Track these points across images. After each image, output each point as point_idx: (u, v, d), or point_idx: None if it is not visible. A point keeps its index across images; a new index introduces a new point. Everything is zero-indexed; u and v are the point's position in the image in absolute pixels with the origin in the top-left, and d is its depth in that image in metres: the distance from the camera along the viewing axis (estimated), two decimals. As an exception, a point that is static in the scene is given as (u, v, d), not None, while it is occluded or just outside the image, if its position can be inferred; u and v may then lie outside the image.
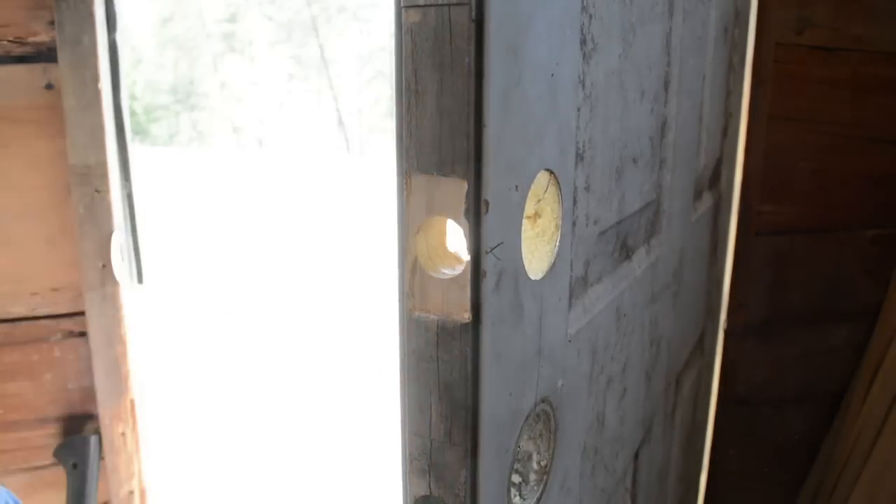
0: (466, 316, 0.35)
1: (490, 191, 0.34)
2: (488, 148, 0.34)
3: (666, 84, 0.73)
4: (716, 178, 1.20)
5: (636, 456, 0.81)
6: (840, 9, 1.29)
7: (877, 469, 1.36)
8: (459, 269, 0.36)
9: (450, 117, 0.33)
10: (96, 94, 1.10)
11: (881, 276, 1.43)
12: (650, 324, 0.77)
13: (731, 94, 1.24)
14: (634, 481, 0.83)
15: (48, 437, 1.18)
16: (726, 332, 1.41)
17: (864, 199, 1.39)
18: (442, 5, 0.32)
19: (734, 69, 1.23)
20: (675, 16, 0.73)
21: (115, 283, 1.16)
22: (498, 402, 0.38)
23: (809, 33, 1.29)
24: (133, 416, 1.23)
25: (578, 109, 0.46)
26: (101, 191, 1.13)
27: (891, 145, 1.37)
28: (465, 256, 0.36)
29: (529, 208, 0.41)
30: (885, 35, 1.32)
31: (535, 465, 0.47)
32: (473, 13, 0.31)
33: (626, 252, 0.66)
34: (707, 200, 1.12)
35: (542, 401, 0.45)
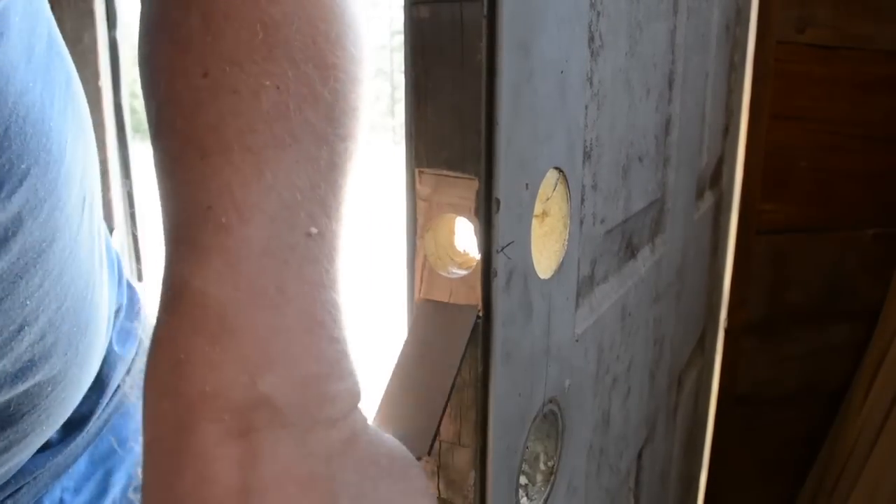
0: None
1: (501, 189, 0.34)
2: (500, 146, 0.33)
3: (670, 82, 0.72)
4: (717, 176, 1.20)
5: (639, 455, 0.81)
6: (841, 8, 1.29)
7: (877, 469, 1.36)
8: (469, 269, 0.36)
9: (460, 115, 0.33)
10: (97, 91, 1.10)
11: (882, 275, 1.43)
12: (654, 322, 0.77)
13: (733, 93, 1.24)
14: (637, 481, 0.83)
15: (48, 436, 1.18)
16: (727, 331, 1.41)
17: (866, 197, 1.39)
18: (453, 1, 0.32)
19: (735, 67, 1.23)
20: (680, 13, 0.73)
21: (115, 281, 1.16)
22: (507, 402, 0.38)
23: (811, 32, 1.29)
24: (133, 415, 1.23)
25: (586, 107, 0.45)
26: (102, 189, 1.13)
27: (892, 144, 1.37)
28: (475, 255, 0.36)
29: (538, 207, 0.40)
30: (887, 34, 1.32)
31: (542, 466, 0.46)
32: (485, 9, 0.31)
33: (631, 251, 0.66)
34: (708, 199, 1.12)
35: (550, 401, 0.45)
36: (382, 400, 0.33)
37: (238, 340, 0.24)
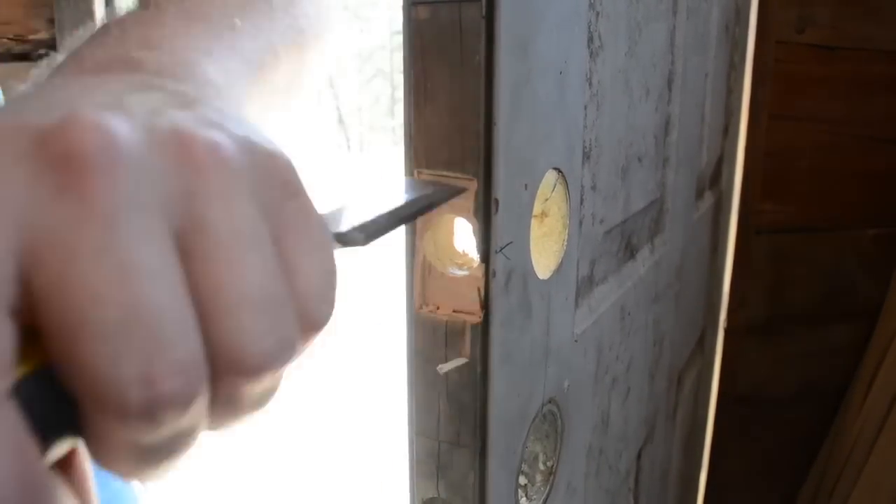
0: (476, 316, 0.35)
1: (500, 189, 0.34)
2: (498, 146, 0.33)
3: (670, 82, 0.72)
4: (717, 176, 1.20)
5: (639, 456, 0.81)
6: (841, 8, 1.29)
7: (877, 469, 1.36)
8: (468, 269, 0.36)
9: (459, 115, 0.33)
10: (96, 91, 1.09)
11: (882, 275, 1.43)
12: (653, 323, 0.77)
13: (732, 93, 1.24)
14: (637, 481, 0.83)
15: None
16: (726, 331, 1.41)
17: (865, 197, 1.39)
18: (452, 2, 0.32)
19: (735, 68, 1.23)
20: (679, 13, 0.73)
21: (114, 281, 1.16)
22: (506, 403, 0.38)
23: (810, 32, 1.29)
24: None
25: (585, 107, 0.45)
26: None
27: (892, 144, 1.37)
28: (475, 256, 0.36)
29: (537, 207, 0.40)
30: (887, 34, 1.31)
31: (541, 466, 0.46)
32: (484, 10, 0.31)
33: (630, 251, 0.66)
34: (708, 199, 1.12)
35: (549, 401, 0.45)
36: None
37: (131, 40, 0.27)
